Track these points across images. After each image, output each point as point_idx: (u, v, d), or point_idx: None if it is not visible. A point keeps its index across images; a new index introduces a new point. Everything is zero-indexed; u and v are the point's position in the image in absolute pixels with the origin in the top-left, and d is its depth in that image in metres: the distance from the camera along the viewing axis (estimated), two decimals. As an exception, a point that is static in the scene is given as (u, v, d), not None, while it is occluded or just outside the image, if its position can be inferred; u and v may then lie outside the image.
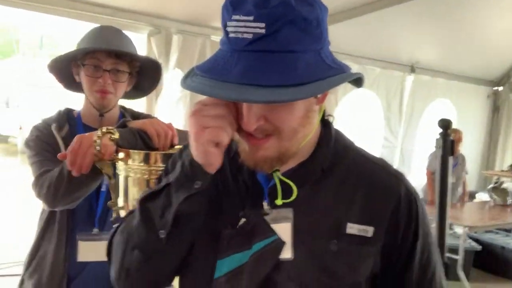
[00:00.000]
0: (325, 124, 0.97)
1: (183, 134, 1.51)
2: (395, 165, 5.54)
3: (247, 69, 0.78)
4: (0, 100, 18.86)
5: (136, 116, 1.75)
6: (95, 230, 1.57)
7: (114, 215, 1.27)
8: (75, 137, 1.26)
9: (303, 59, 0.80)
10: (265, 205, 0.90)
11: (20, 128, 15.46)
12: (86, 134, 1.27)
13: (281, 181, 0.90)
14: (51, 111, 1.71)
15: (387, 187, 0.92)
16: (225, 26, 0.82)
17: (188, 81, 0.85)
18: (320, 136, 0.94)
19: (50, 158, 1.51)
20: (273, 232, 0.88)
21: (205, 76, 0.82)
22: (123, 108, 1.75)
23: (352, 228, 0.88)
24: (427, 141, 5.23)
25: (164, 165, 1.16)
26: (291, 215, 0.88)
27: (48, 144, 1.55)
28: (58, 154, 1.32)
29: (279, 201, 0.89)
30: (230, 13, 0.81)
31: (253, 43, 0.79)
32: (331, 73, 0.82)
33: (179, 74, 3.24)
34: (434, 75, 6.06)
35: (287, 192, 0.89)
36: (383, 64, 5.40)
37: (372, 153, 1.00)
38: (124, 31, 1.76)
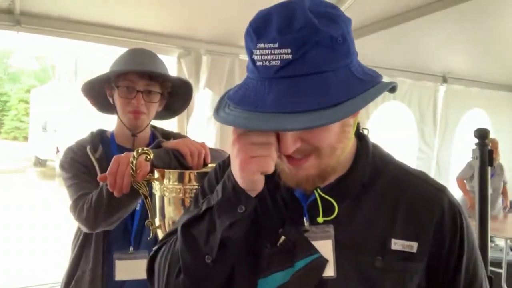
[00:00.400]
0: (361, 137, 0.96)
1: (215, 153, 1.53)
2: (432, 177, 5.43)
3: (280, 96, 0.77)
4: (37, 125, 19.51)
5: (167, 135, 1.78)
6: (131, 249, 1.59)
7: (151, 234, 1.29)
8: (113, 159, 1.29)
9: (334, 77, 0.79)
10: (305, 221, 0.89)
11: (57, 152, 15.93)
12: (123, 155, 1.29)
13: (321, 197, 0.89)
14: (85, 133, 1.75)
15: (429, 200, 0.90)
16: (250, 54, 0.82)
17: (221, 113, 0.83)
18: (357, 149, 0.93)
19: (87, 179, 1.54)
20: (315, 250, 0.87)
21: (238, 108, 0.80)
22: (153, 127, 1.78)
23: (397, 244, 0.86)
24: (464, 151, 5.09)
25: (198, 184, 1.18)
26: (332, 231, 0.87)
27: (84, 166, 1.58)
28: (98, 177, 1.34)
29: (320, 219, 0.88)
30: (255, 42, 0.80)
31: (281, 70, 0.77)
32: (364, 87, 0.81)
33: (209, 94, 3.28)
34: (467, 85, 5.93)
35: (327, 208, 0.88)
36: (414, 75, 5.33)
37: (408, 165, 0.98)
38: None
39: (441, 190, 0.92)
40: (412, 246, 0.86)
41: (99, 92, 1.69)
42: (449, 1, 2.90)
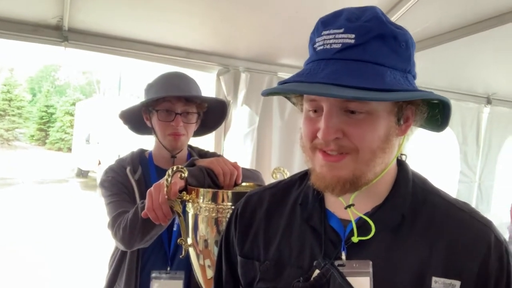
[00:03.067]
0: (400, 163, 0.93)
1: (249, 172, 1.53)
2: (473, 202, 5.24)
3: (334, 72, 0.78)
4: (81, 137, 20.13)
5: (203, 154, 1.80)
6: (168, 269, 1.61)
7: (183, 252, 1.29)
8: (147, 194, 1.31)
9: (390, 74, 0.79)
10: (343, 255, 0.85)
11: (99, 164, 16.35)
12: (153, 187, 1.31)
13: (357, 223, 0.85)
14: (127, 147, 1.80)
15: (474, 236, 0.84)
16: (313, 44, 0.84)
17: (270, 89, 0.85)
18: (396, 177, 0.90)
19: (126, 199, 1.58)
20: (350, 287, 0.82)
21: (290, 82, 0.82)
22: (190, 147, 1.81)
23: (437, 283, 0.81)
24: (508, 176, 4.87)
25: (231, 204, 1.17)
26: (370, 269, 0.82)
27: (124, 186, 1.62)
28: (142, 213, 1.36)
29: (355, 239, 0.84)
30: (320, 31, 0.83)
31: (341, 52, 0.79)
32: (418, 92, 0.81)
33: (247, 111, 3.30)
34: (513, 106, 5.74)
35: (364, 232, 0.84)
36: (457, 96, 5.19)
37: (449, 188, 0.94)
38: (195, 71, 1.85)
39: (487, 226, 0.86)
40: (454, 285, 0.80)
41: (135, 116, 1.74)
42: (495, 21, 2.82)
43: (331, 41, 0.80)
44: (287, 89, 0.81)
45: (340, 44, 0.79)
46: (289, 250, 0.91)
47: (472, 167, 5.64)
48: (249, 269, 0.96)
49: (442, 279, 0.81)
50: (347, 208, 0.86)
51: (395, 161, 0.91)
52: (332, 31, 0.80)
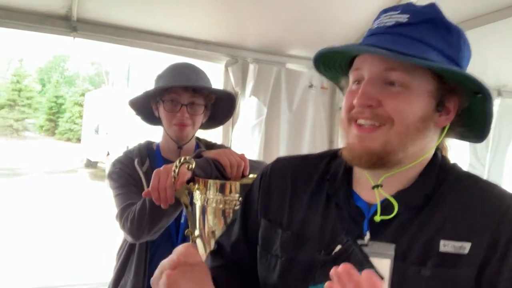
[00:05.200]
0: (435, 156, 0.93)
1: (256, 164, 1.53)
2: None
3: (380, 41, 0.82)
4: (90, 128, 20.24)
5: (211, 146, 1.80)
6: None
7: (190, 243, 1.30)
8: (153, 173, 1.31)
9: (436, 55, 0.82)
10: (368, 235, 0.85)
11: (108, 154, 16.45)
12: (162, 168, 1.31)
13: (381, 205, 0.86)
14: (136, 138, 1.80)
15: (491, 201, 0.84)
16: (371, 27, 0.89)
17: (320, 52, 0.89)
18: (426, 166, 0.90)
19: (134, 191, 1.58)
20: (370, 265, 0.82)
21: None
22: (198, 139, 1.81)
23: (446, 246, 0.80)
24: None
25: (239, 195, 1.18)
26: (392, 252, 0.82)
27: (132, 177, 1.62)
28: (143, 193, 1.37)
29: (377, 218, 0.85)
30: (379, 15, 0.87)
31: (393, 27, 0.83)
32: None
33: (255, 102, 3.29)
34: (524, 99, 5.68)
35: (387, 212, 0.85)
36: (467, 88, 5.15)
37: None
38: (203, 62, 1.84)
39: (506, 195, 0.85)
40: (465, 247, 0.79)
41: (145, 106, 1.74)
42: (506, 12, 2.78)
43: (386, 20, 0.84)
44: (334, 50, 0.85)
45: (394, 22, 0.83)
46: (312, 223, 0.91)
47: (481, 159, 5.60)
48: (271, 234, 0.96)
49: (452, 242, 0.80)
50: (375, 188, 0.87)
51: (431, 155, 0.90)
52: (389, 13, 0.85)
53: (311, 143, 3.46)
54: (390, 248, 0.82)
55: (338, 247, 0.86)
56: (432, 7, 0.84)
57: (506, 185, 5.22)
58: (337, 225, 0.88)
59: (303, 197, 0.95)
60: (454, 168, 0.94)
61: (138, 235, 1.47)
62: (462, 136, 0.96)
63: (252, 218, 1.03)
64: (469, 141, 1.00)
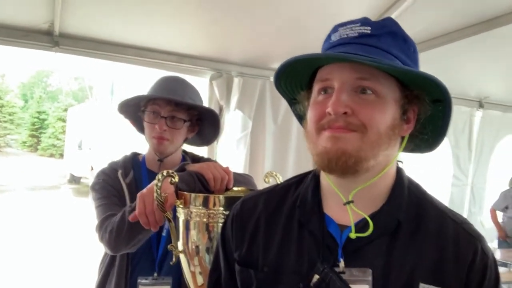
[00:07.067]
0: (397, 170, 0.93)
1: (240, 177, 1.52)
2: (466, 204, 5.25)
3: (350, 49, 0.83)
4: (73, 143, 20.02)
5: (197, 159, 1.78)
6: (155, 275, 1.58)
7: (174, 258, 1.27)
8: (137, 197, 1.28)
9: (401, 65, 0.83)
10: (342, 263, 0.84)
11: (91, 170, 16.26)
12: (145, 190, 1.28)
13: (355, 226, 0.85)
14: (119, 153, 1.78)
15: (463, 246, 0.85)
16: (329, 39, 0.89)
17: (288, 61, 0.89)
18: (394, 183, 0.90)
19: (115, 202, 1.56)
20: None
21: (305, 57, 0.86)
22: (184, 152, 1.79)
23: None
24: (499, 178, 4.88)
25: (223, 209, 1.16)
26: (370, 277, 0.82)
27: (114, 189, 1.60)
28: (130, 217, 1.33)
29: (352, 234, 0.84)
30: (336, 28, 0.88)
31: (358, 38, 0.84)
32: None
33: (239, 116, 3.29)
34: (505, 110, 5.77)
35: (362, 229, 0.84)
36: (449, 100, 5.22)
37: (442, 192, 0.95)
38: (188, 76, 1.83)
39: (476, 238, 0.88)
40: None
41: (136, 115, 1.73)
42: (488, 25, 2.83)
43: (347, 31, 0.85)
44: (306, 57, 0.83)
45: (357, 33, 0.84)
46: (288, 256, 0.90)
47: (465, 170, 5.66)
48: (246, 277, 0.95)
49: (429, 286, 0.82)
50: (346, 204, 0.86)
51: (395, 165, 0.91)
52: (349, 26, 0.86)
53: (296, 156, 3.46)
54: (367, 274, 0.82)
55: (316, 277, 0.85)
56: (390, 20, 0.87)
57: (489, 194, 5.30)
58: (313, 254, 0.87)
59: (276, 231, 0.94)
60: (425, 196, 0.93)
61: (116, 247, 1.45)
62: (415, 146, 0.96)
63: (232, 254, 1.02)
64: (420, 152, 0.99)
